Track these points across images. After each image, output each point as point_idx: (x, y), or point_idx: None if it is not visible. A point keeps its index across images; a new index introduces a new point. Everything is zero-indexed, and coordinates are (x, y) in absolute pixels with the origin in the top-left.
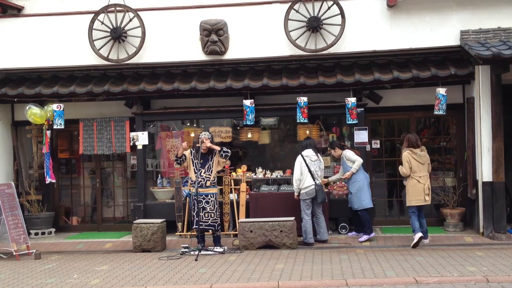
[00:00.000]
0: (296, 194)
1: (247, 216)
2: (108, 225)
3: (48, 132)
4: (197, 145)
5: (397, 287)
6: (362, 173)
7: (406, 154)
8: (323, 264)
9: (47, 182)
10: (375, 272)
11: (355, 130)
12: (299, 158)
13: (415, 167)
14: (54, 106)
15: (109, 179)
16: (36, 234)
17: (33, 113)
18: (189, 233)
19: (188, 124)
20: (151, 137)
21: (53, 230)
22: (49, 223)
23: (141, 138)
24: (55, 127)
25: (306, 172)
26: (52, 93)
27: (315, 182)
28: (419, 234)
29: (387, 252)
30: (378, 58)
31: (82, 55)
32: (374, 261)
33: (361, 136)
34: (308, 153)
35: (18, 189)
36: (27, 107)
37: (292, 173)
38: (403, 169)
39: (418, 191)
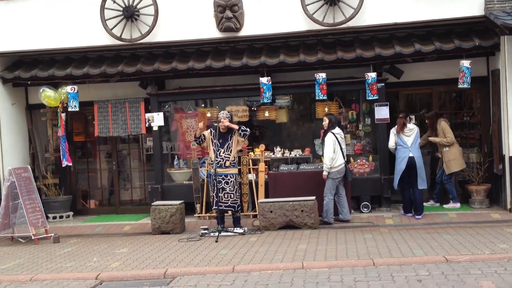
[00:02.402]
0: (325, 173)
1: (266, 196)
2: (126, 208)
3: (63, 115)
4: (215, 124)
5: (427, 266)
6: None
7: (445, 123)
8: (347, 244)
9: (63, 166)
10: (402, 251)
11: (376, 106)
12: (331, 136)
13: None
14: (68, 88)
15: (125, 162)
16: (54, 218)
17: (47, 95)
18: (207, 214)
19: (203, 105)
20: (167, 118)
21: (71, 213)
22: (66, 206)
23: (157, 119)
24: (69, 109)
25: (338, 150)
26: (65, 75)
27: (345, 160)
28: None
29: (413, 231)
30: (399, 31)
31: (95, 36)
32: (400, 240)
33: (382, 112)
34: (338, 130)
35: (34, 173)
36: (41, 90)
37: (311, 152)
38: (450, 137)
39: (462, 155)
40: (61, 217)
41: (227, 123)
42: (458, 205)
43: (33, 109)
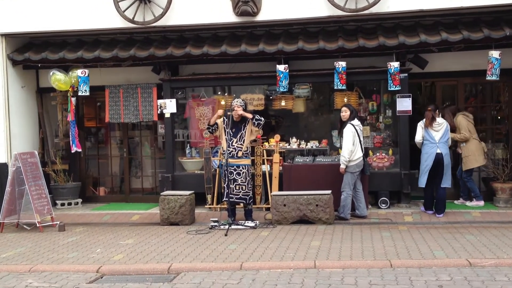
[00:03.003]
0: (343, 166)
1: (280, 189)
2: (136, 196)
3: (73, 99)
4: (228, 113)
5: (449, 270)
6: None
7: (461, 118)
8: (363, 242)
9: (72, 151)
10: (422, 252)
11: (398, 97)
12: (350, 127)
13: (471, 129)
14: (79, 72)
15: (137, 149)
16: (63, 204)
17: (57, 79)
18: (219, 206)
19: (220, 92)
20: (181, 105)
21: (79, 200)
22: (75, 193)
23: (169, 106)
24: (79, 93)
25: (357, 142)
26: (76, 58)
27: (363, 153)
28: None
29: (433, 230)
30: (425, 18)
31: (107, 18)
32: (419, 239)
33: (404, 103)
34: (357, 122)
35: (44, 158)
36: (51, 73)
37: (328, 144)
38: (464, 134)
39: (480, 151)
40: (69, 204)
41: (240, 111)
42: (481, 203)
43: (43, 92)
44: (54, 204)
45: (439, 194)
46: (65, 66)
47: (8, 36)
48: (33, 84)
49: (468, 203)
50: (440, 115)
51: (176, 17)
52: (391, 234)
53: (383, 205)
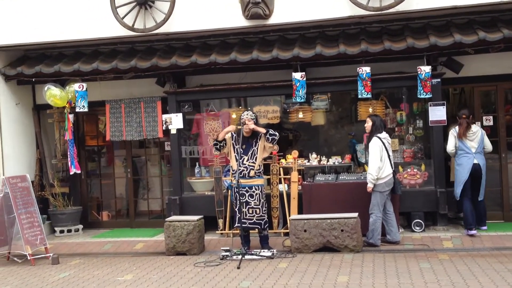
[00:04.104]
0: (370, 185)
1: (300, 211)
2: (142, 221)
3: (71, 116)
4: (238, 127)
5: None
6: None
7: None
8: (400, 277)
9: (71, 173)
10: None
11: (430, 105)
12: (376, 141)
13: None
14: (76, 86)
15: (144, 169)
16: (62, 231)
17: (53, 94)
18: (231, 231)
19: (231, 105)
20: (188, 120)
21: (80, 227)
22: (75, 219)
23: (175, 121)
24: (77, 109)
25: (386, 158)
26: (73, 71)
27: (393, 170)
28: None
29: (480, 259)
30: (458, 17)
31: (106, 26)
32: (466, 272)
33: (437, 113)
34: (384, 134)
35: (41, 181)
36: (46, 88)
37: (352, 159)
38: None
39: None
40: (69, 231)
41: (252, 125)
42: None
43: (41, 109)
44: (53, 231)
45: (480, 208)
46: (62, 81)
47: None
48: (29, 101)
49: None
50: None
51: (179, 23)
52: (431, 265)
53: (417, 228)
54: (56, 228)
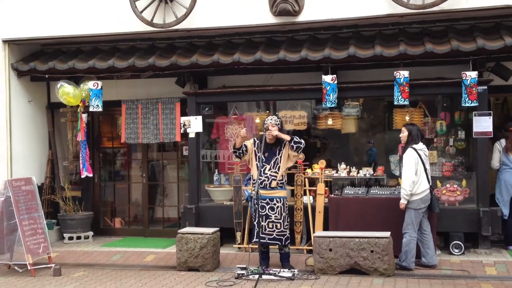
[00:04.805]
0: (404, 201)
1: (325, 227)
2: (156, 230)
3: (84, 116)
4: (261, 133)
5: None
6: None
7: None
8: None
9: (82, 176)
10: None
11: (475, 115)
12: (411, 152)
13: None
14: (90, 84)
15: (162, 173)
16: (71, 238)
17: (65, 92)
18: (250, 245)
19: (256, 109)
20: (208, 124)
21: (90, 234)
22: (86, 225)
23: (194, 124)
24: (91, 109)
25: (422, 171)
26: (88, 68)
27: (430, 185)
28: None
29: None
30: (508, 18)
31: (124, 21)
32: None
33: (483, 123)
34: (421, 146)
35: (53, 184)
36: (58, 85)
37: (384, 172)
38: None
39: None
40: (78, 237)
41: (275, 132)
42: None
43: (55, 108)
44: (62, 238)
45: None
46: (77, 78)
47: (12, 43)
48: (43, 99)
49: None
50: None
51: (202, 19)
52: None
53: (456, 250)
54: (65, 235)
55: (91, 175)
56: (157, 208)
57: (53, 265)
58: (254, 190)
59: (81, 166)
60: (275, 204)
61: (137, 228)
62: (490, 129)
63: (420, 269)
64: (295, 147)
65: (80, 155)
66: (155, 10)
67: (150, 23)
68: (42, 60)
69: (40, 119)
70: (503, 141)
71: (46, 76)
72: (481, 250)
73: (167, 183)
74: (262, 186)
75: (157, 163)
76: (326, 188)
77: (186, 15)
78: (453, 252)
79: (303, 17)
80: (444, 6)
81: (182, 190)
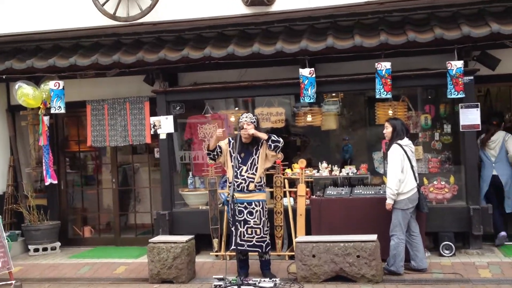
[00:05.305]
0: (390, 201)
1: (308, 230)
2: (129, 238)
3: (46, 118)
4: (235, 132)
5: None
6: None
7: None
8: None
9: (46, 183)
10: None
11: (461, 107)
12: (397, 148)
13: None
14: (51, 84)
15: (134, 178)
16: (36, 250)
17: (24, 93)
18: (228, 253)
19: (234, 106)
20: (180, 124)
21: (57, 245)
22: (52, 235)
23: (165, 125)
24: (53, 111)
25: (408, 169)
26: (48, 67)
27: (417, 183)
28: None
29: None
30: (493, 4)
31: (86, 16)
32: None
33: (470, 116)
34: (407, 141)
35: (16, 192)
36: (16, 86)
37: (368, 170)
38: None
39: None
40: (44, 249)
41: (252, 130)
42: None
43: (16, 111)
44: (27, 250)
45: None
46: (38, 78)
47: None
48: (2, 101)
49: None
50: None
51: (169, 11)
52: None
53: (447, 251)
54: (30, 246)
55: (55, 181)
56: (130, 214)
57: (13, 281)
58: (230, 194)
59: (44, 172)
60: (253, 208)
61: (108, 237)
62: (478, 121)
63: (410, 273)
64: (273, 146)
65: (43, 160)
66: (118, 2)
67: (112, 17)
68: None
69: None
70: (482, 136)
71: (4, 77)
72: (472, 251)
73: (139, 188)
74: (239, 189)
75: (129, 166)
76: (307, 189)
77: (151, 7)
78: (444, 254)
79: (277, 6)
80: None
81: (155, 194)
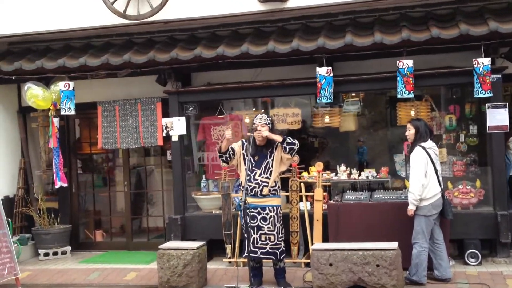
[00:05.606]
0: (412, 207)
1: (325, 237)
2: (141, 242)
3: (56, 120)
4: (248, 134)
5: None
6: None
7: None
8: None
9: (56, 186)
10: None
11: (489, 107)
12: (420, 151)
13: None
14: (61, 85)
15: (147, 181)
16: (46, 254)
17: (34, 94)
18: (241, 259)
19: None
20: (193, 125)
21: (68, 249)
22: (63, 239)
23: (177, 126)
24: (62, 112)
25: (432, 173)
26: (58, 67)
27: (442, 188)
28: None
29: None
30: None
31: (97, 14)
32: None
33: (497, 116)
34: (430, 143)
35: (27, 195)
36: (26, 87)
37: (389, 173)
38: None
39: None
40: (55, 253)
41: (266, 132)
42: None
43: (27, 112)
44: (37, 254)
45: None
46: (49, 79)
47: None
48: (13, 103)
49: None
50: None
51: (180, 9)
52: None
53: (472, 260)
54: (40, 251)
55: (65, 184)
56: (143, 218)
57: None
58: (243, 198)
59: (54, 175)
60: (267, 214)
61: (120, 241)
62: (506, 122)
63: (433, 283)
64: (288, 149)
65: (53, 163)
66: (128, 0)
67: (122, 15)
68: (9, 60)
69: (10, 125)
70: None
71: (13, 78)
72: (500, 259)
73: (153, 190)
74: (252, 193)
75: (142, 169)
76: (324, 194)
77: (162, 5)
78: (469, 262)
79: (293, 2)
80: None
81: (168, 197)
